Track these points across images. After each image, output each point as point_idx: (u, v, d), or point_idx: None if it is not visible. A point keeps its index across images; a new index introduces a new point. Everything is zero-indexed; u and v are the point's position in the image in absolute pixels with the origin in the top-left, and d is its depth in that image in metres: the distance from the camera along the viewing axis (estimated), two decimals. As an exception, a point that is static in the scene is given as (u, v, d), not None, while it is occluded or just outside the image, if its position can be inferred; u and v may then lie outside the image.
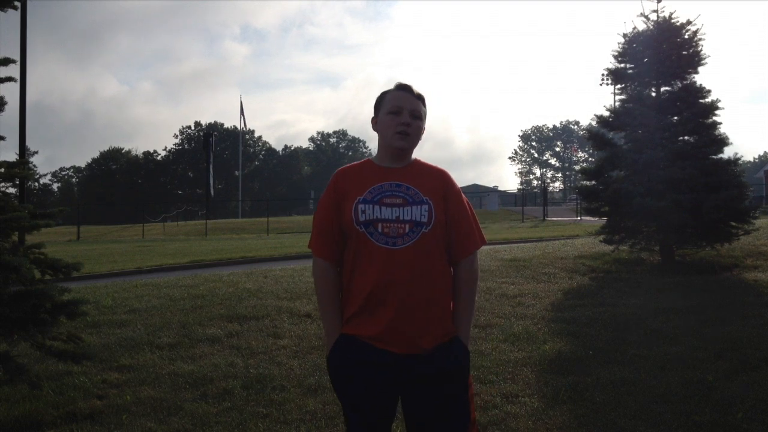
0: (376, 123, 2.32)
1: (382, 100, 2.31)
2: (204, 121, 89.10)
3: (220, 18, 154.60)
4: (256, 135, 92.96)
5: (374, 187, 2.21)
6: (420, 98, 2.29)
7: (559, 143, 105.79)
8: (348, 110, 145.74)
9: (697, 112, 9.66)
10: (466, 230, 2.25)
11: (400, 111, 2.24)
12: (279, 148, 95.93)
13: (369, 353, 2.13)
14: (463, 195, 2.31)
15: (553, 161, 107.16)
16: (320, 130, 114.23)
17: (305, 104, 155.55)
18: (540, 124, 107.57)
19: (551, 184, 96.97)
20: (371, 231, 2.14)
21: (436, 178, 2.27)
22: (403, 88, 2.29)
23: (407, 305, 2.12)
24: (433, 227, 2.16)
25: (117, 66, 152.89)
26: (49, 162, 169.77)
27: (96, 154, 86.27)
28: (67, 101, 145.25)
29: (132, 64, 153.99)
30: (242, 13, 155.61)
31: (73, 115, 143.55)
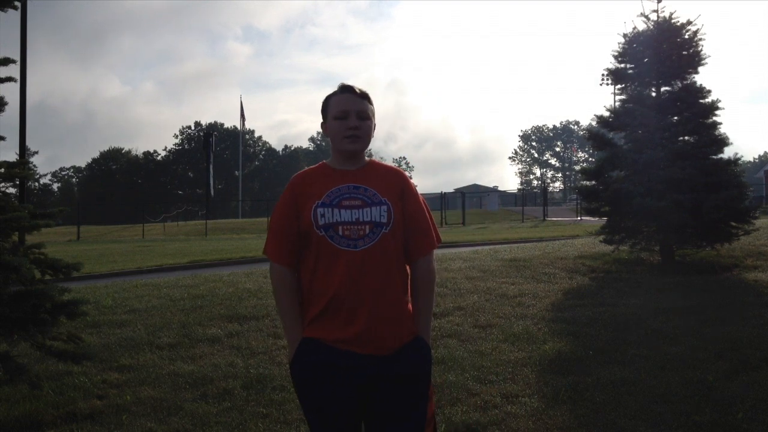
0: (326, 128, 2.32)
1: (327, 105, 2.31)
2: (205, 122, 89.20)
3: (223, 19, 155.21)
4: (257, 135, 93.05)
5: (332, 191, 2.21)
6: (365, 97, 2.28)
7: (559, 143, 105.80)
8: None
9: (697, 112, 9.67)
10: (423, 230, 2.27)
11: (347, 114, 2.24)
12: (281, 148, 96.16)
13: (333, 355, 2.13)
14: (420, 195, 2.33)
15: (553, 161, 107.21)
16: (320, 130, 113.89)
17: (308, 104, 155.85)
18: (540, 124, 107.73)
19: (551, 184, 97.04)
20: (331, 234, 2.15)
21: (393, 179, 2.28)
22: (346, 90, 2.28)
23: (370, 306, 2.12)
24: (393, 227, 2.18)
25: (120, 66, 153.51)
26: (50, 162, 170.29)
27: (96, 155, 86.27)
28: (69, 102, 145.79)
29: (135, 65, 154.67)
30: (245, 14, 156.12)
31: (75, 116, 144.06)
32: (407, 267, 2.28)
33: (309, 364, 2.16)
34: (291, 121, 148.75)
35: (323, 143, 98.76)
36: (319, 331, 2.17)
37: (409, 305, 2.25)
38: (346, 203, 2.18)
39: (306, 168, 2.37)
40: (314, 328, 2.18)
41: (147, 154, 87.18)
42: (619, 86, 10.66)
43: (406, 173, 2.34)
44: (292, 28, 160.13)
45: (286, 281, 2.23)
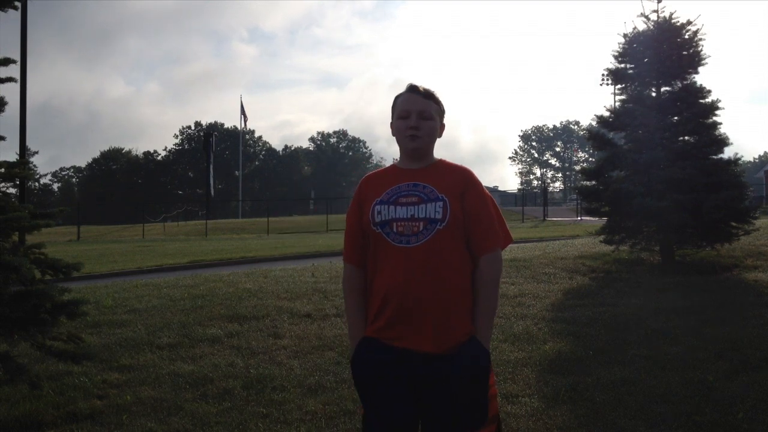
0: (393, 127, 2.35)
1: (394, 105, 2.34)
2: (206, 122, 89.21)
3: (229, 21, 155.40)
4: (257, 135, 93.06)
5: (391, 189, 2.24)
6: (429, 97, 2.30)
7: (559, 143, 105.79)
8: (353, 111, 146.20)
9: (697, 112, 9.67)
10: (485, 227, 2.23)
11: (409, 114, 2.27)
12: (282, 148, 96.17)
13: (388, 353, 2.15)
14: (487, 192, 2.30)
15: (553, 161, 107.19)
16: (320, 130, 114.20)
17: (311, 105, 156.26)
18: (540, 124, 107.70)
19: (551, 184, 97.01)
20: (387, 231, 2.17)
21: (456, 176, 2.27)
22: (411, 90, 2.31)
23: (424, 304, 2.12)
24: (449, 223, 2.15)
25: (125, 67, 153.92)
26: (53, 162, 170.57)
27: (98, 155, 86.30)
28: (74, 102, 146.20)
29: (140, 66, 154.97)
30: (250, 16, 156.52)
31: (79, 116, 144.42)
32: (471, 265, 2.24)
33: (365, 362, 2.19)
34: (294, 121, 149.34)
35: (323, 143, 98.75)
36: (376, 330, 2.19)
37: (470, 304, 2.21)
38: (403, 200, 2.20)
39: (376, 170, 2.42)
40: (373, 327, 2.21)
41: (147, 154, 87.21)
42: (619, 86, 10.66)
43: (473, 172, 2.32)
44: (297, 29, 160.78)
45: (352, 280, 2.29)
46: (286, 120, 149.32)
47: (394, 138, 2.33)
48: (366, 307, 2.27)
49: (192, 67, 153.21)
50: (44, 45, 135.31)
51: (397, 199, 2.20)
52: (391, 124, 2.35)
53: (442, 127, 2.37)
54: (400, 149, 2.32)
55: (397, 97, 2.34)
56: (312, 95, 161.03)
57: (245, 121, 66.48)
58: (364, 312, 2.27)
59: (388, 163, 2.43)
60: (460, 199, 2.21)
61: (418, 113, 2.26)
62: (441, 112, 2.34)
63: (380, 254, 2.19)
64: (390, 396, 2.13)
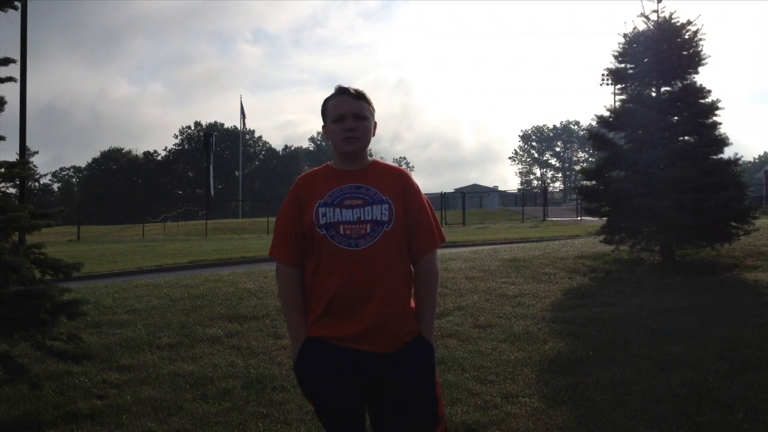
0: (326, 131, 2.34)
1: (325, 108, 2.33)
2: (207, 122, 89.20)
3: (233, 22, 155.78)
4: (257, 135, 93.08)
5: (334, 191, 2.23)
6: (361, 97, 2.29)
7: (559, 143, 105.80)
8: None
9: (697, 113, 9.66)
10: (426, 229, 2.27)
11: (343, 117, 2.26)
12: (281, 148, 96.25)
13: (335, 354, 2.16)
14: (423, 194, 2.33)
15: (553, 161, 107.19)
16: (320, 130, 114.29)
17: (314, 105, 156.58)
18: (540, 124, 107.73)
19: (551, 184, 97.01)
20: (332, 233, 2.17)
21: (396, 178, 2.29)
22: (342, 92, 2.30)
23: (372, 305, 2.14)
24: (394, 226, 2.19)
25: (130, 68, 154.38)
26: (56, 162, 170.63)
27: (98, 155, 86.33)
28: (78, 102, 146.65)
29: (145, 67, 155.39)
30: (255, 17, 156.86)
31: (83, 116, 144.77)
32: (410, 266, 2.28)
33: (312, 363, 2.19)
34: (296, 121, 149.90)
35: (323, 143, 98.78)
36: (322, 330, 2.19)
37: (412, 304, 2.26)
38: (348, 202, 2.20)
39: (310, 169, 2.39)
40: (317, 327, 2.20)
41: (147, 154, 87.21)
42: (619, 86, 10.66)
43: (410, 173, 2.35)
44: (301, 30, 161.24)
45: (290, 281, 2.26)
46: (289, 120, 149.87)
47: (330, 141, 2.33)
48: (305, 307, 2.26)
49: (196, 67, 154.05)
50: (50, 45, 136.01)
51: (342, 202, 2.20)
52: (324, 127, 2.36)
53: (375, 125, 2.37)
54: (336, 152, 2.31)
55: (327, 101, 2.33)
56: (315, 95, 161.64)
57: (244, 120, 66.59)
58: (304, 312, 2.26)
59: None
60: (402, 202, 2.24)
61: (353, 115, 2.26)
62: (373, 111, 2.35)
63: (324, 256, 2.18)
64: (342, 397, 2.15)
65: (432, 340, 2.26)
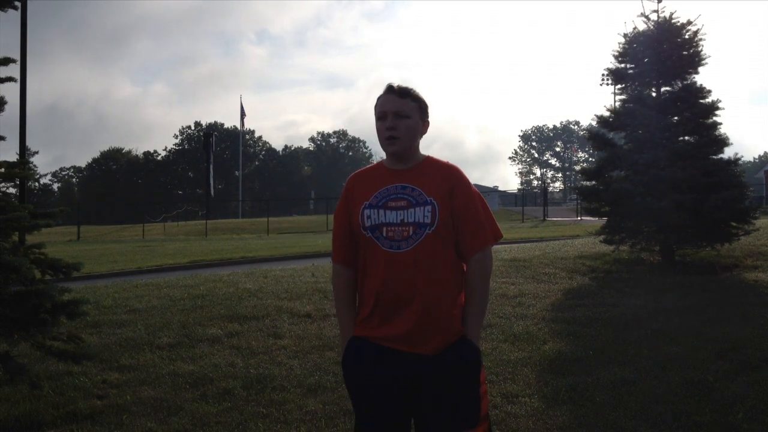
0: (377, 129, 2.33)
1: (375, 107, 2.32)
2: (207, 122, 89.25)
3: (237, 24, 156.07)
4: (257, 135, 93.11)
5: (380, 191, 2.23)
6: (405, 95, 2.26)
7: (559, 143, 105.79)
8: (359, 110, 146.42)
9: (697, 113, 9.67)
10: (474, 227, 2.23)
11: (385, 116, 2.25)
12: (281, 148, 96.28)
13: (378, 354, 2.17)
14: (474, 189, 2.28)
15: (553, 161, 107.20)
16: (320, 130, 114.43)
17: (317, 105, 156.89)
18: (540, 124, 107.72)
19: (551, 184, 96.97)
20: (377, 236, 2.17)
21: (444, 176, 2.25)
22: (387, 91, 2.28)
23: (414, 307, 2.13)
24: (437, 227, 2.16)
25: (134, 69, 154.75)
26: (58, 162, 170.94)
27: (98, 155, 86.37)
28: (82, 103, 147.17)
29: (149, 67, 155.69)
30: (258, 18, 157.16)
31: (87, 117, 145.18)
32: (461, 265, 2.25)
33: (355, 361, 2.21)
34: (299, 121, 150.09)
35: (323, 143, 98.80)
36: (366, 330, 2.21)
37: (458, 305, 2.23)
38: (392, 204, 2.19)
39: (363, 168, 2.39)
40: (363, 327, 2.22)
41: (147, 154, 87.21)
42: (619, 86, 10.66)
43: (461, 169, 2.29)
44: (305, 31, 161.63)
45: (341, 280, 2.30)
46: (292, 120, 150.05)
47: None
48: (356, 306, 2.29)
49: (200, 68, 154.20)
50: (54, 46, 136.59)
51: (386, 203, 2.20)
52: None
53: (426, 123, 2.33)
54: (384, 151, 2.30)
55: (377, 99, 2.32)
56: (318, 95, 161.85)
57: (243, 120, 66.72)
58: (354, 311, 2.28)
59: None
60: (449, 200, 2.20)
61: (393, 113, 2.24)
62: (421, 108, 2.30)
63: (369, 257, 2.20)
64: (381, 396, 2.15)
65: (477, 342, 2.23)
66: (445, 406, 2.14)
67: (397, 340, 2.15)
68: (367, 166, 2.38)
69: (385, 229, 2.16)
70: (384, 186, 2.24)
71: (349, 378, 2.24)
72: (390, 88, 2.28)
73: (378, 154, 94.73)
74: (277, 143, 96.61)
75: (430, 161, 2.31)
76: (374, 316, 2.19)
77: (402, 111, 2.24)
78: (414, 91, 2.29)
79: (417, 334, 2.13)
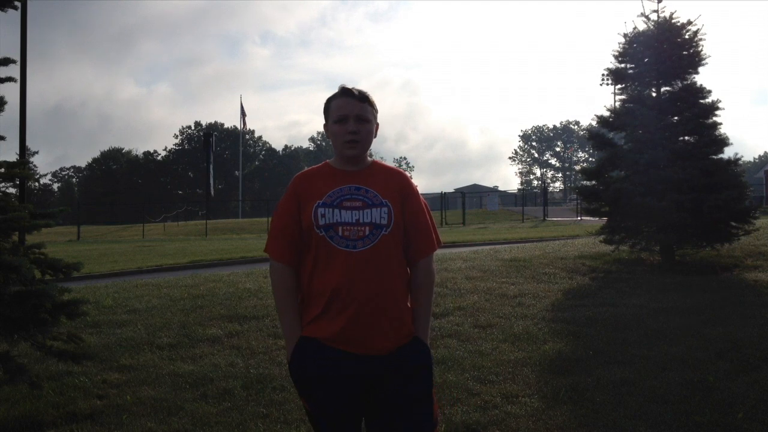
0: (327, 130, 2.32)
1: (328, 108, 2.30)
2: (208, 122, 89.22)
3: (242, 26, 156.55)
4: (257, 135, 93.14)
5: (333, 191, 2.22)
6: (364, 99, 2.27)
7: (559, 143, 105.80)
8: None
9: (697, 113, 9.67)
10: (423, 232, 2.28)
11: (346, 119, 2.24)
12: (281, 148, 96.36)
13: (330, 355, 2.15)
14: (421, 197, 2.33)
15: (553, 161, 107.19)
16: (320, 130, 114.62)
17: (319, 106, 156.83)
18: (540, 124, 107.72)
19: (551, 184, 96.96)
20: (331, 234, 2.16)
21: (395, 180, 2.28)
22: (345, 93, 2.27)
23: (367, 307, 2.13)
24: (393, 229, 2.19)
25: (139, 70, 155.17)
26: (61, 162, 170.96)
27: (99, 155, 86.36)
28: (87, 104, 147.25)
29: (153, 68, 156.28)
30: (264, 21, 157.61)
31: (92, 117, 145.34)
32: (407, 269, 2.28)
33: (306, 363, 2.18)
34: (302, 121, 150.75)
35: (323, 143, 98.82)
36: (316, 331, 2.18)
37: (409, 307, 2.26)
38: (347, 204, 2.19)
39: (308, 168, 2.38)
40: (312, 327, 2.19)
41: (147, 154, 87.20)
42: (619, 86, 10.66)
43: (408, 174, 2.35)
44: (309, 31, 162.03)
45: (286, 279, 2.25)
46: (295, 120, 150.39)
47: (331, 141, 2.30)
48: (299, 306, 2.26)
49: (204, 69, 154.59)
50: (60, 47, 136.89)
51: (341, 203, 2.20)
52: (325, 126, 2.34)
53: (377, 127, 2.35)
54: (336, 152, 2.29)
55: (330, 100, 2.30)
56: (320, 95, 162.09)
57: (244, 120, 66.67)
58: (299, 311, 2.25)
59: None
60: (401, 204, 2.23)
61: (355, 117, 2.23)
62: (376, 113, 2.32)
63: (322, 256, 2.17)
64: (333, 397, 2.15)
65: (427, 342, 2.26)
66: (401, 407, 2.15)
67: (349, 342, 2.13)
68: (314, 167, 2.36)
69: (340, 228, 2.16)
70: (337, 186, 2.23)
71: (299, 380, 2.21)
72: (348, 91, 2.27)
73: (377, 153, 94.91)
74: (280, 143, 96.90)
75: (378, 165, 2.33)
76: (325, 316, 2.16)
77: (363, 115, 2.25)
78: (371, 96, 2.31)
79: (369, 335, 2.13)
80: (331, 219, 2.17)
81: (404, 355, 2.18)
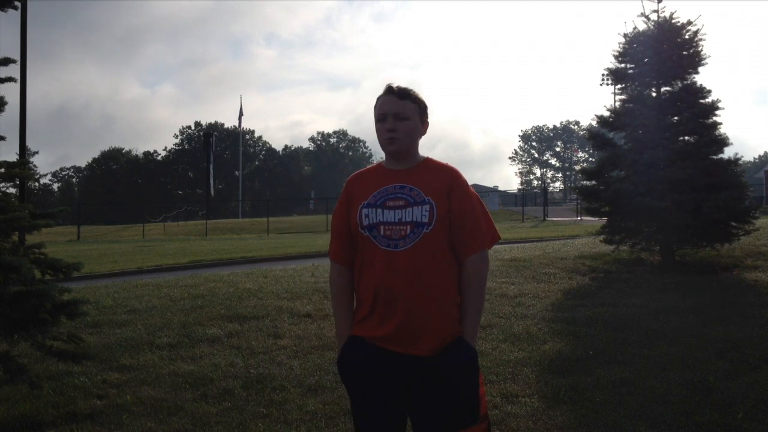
0: (376, 130, 2.34)
1: (375, 108, 2.33)
2: (208, 122, 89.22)
3: (247, 27, 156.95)
4: (257, 135, 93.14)
5: (378, 191, 2.24)
6: (405, 96, 2.26)
7: (559, 143, 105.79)
8: (365, 110, 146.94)
9: (697, 113, 9.66)
10: (470, 228, 2.23)
11: (385, 117, 2.26)
12: (281, 148, 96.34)
13: (375, 354, 2.17)
14: (472, 191, 2.29)
15: (553, 161, 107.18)
16: (320, 130, 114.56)
17: (324, 106, 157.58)
18: (540, 124, 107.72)
19: (551, 184, 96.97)
20: (375, 234, 2.18)
21: (442, 177, 2.26)
22: (387, 92, 2.29)
23: (409, 306, 2.13)
24: (435, 227, 2.16)
25: (144, 71, 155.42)
26: (63, 162, 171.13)
27: (99, 155, 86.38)
28: (90, 104, 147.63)
29: (158, 69, 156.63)
30: (268, 22, 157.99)
31: (96, 118, 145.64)
32: (457, 266, 2.25)
33: (351, 362, 2.22)
34: (304, 121, 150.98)
35: (323, 143, 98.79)
36: (362, 330, 2.22)
37: (456, 305, 2.23)
38: (390, 203, 2.21)
39: (362, 168, 2.41)
40: (359, 326, 2.23)
41: (147, 154, 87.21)
42: (619, 86, 10.65)
43: (459, 171, 2.30)
44: (314, 32, 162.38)
45: (339, 279, 2.31)
46: (298, 120, 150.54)
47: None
48: (352, 306, 2.31)
49: (208, 70, 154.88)
50: (65, 47, 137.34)
51: (384, 202, 2.21)
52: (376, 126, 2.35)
53: (426, 124, 2.34)
54: (383, 150, 2.31)
55: (377, 99, 2.32)
56: (324, 96, 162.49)
57: (240, 119, 67.14)
58: (351, 311, 2.29)
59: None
60: (446, 201, 2.21)
61: (393, 115, 2.24)
62: (420, 110, 2.31)
63: (367, 256, 2.21)
64: (377, 396, 2.16)
65: (474, 343, 2.22)
66: (441, 406, 2.14)
67: (393, 341, 2.15)
68: (367, 167, 2.39)
69: (382, 227, 2.17)
70: (383, 186, 2.25)
71: (345, 375, 2.25)
72: (390, 90, 2.28)
73: (378, 153, 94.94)
74: (282, 143, 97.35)
75: (429, 162, 2.32)
76: (372, 315, 2.19)
77: (402, 113, 2.25)
78: (413, 92, 2.29)
79: (411, 334, 2.14)
80: (374, 219, 2.19)
81: (447, 355, 2.15)
